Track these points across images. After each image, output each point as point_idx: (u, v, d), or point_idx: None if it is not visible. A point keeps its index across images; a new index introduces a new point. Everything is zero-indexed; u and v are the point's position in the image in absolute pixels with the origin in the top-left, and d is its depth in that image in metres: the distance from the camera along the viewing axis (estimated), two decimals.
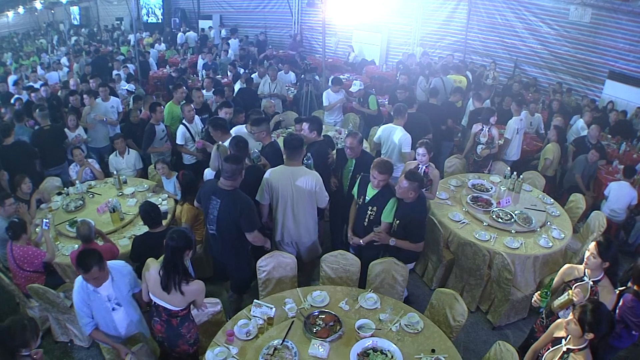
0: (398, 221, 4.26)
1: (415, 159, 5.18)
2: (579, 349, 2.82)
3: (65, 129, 6.88)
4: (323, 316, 3.57)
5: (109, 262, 3.46)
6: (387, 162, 4.25)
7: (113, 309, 3.50)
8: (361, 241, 4.43)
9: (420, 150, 5.00)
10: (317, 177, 4.43)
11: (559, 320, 3.15)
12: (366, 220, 4.39)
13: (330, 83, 8.04)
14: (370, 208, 4.32)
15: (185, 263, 3.29)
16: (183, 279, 3.18)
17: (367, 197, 4.32)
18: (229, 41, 15.05)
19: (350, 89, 8.09)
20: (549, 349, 3.05)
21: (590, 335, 2.77)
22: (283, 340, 3.32)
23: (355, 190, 4.52)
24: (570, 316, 2.86)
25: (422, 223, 4.37)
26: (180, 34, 17.49)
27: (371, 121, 7.91)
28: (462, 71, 9.76)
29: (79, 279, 3.39)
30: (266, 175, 4.41)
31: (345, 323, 3.52)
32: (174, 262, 3.16)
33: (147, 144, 6.60)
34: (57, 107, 8.15)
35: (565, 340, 2.95)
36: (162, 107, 6.88)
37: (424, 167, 5.04)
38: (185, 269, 3.24)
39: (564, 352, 2.90)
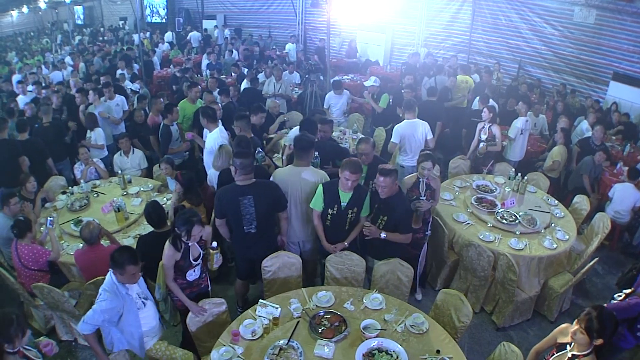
0: (386, 217, 4.20)
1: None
2: (584, 355, 2.80)
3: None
4: (329, 316, 3.57)
5: None
6: (357, 160, 4.14)
7: (144, 305, 3.54)
8: (346, 243, 4.30)
9: (427, 164, 4.58)
10: (324, 175, 4.47)
11: (562, 326, 3.13)
12: (347, 224, 4.29)
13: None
14: (350, 212, 4.21)
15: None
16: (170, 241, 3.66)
17: (343, 203, 4.16)
18: (287, 45, 15.06)
19: (365, 82, 8.09)
20: (553, 354, 3.03)
21: (600, 341, 2.75)
22: (288, 341, 3.31)
23: (319, 203, 4.22)
24: (575, 325, 2.83)
25: (409, 213, 4.30)
26: (168, 33, 17.57)
27: (378, 121, 7.92)
28: (468, 72, 9.77)
29: (110, 285, 3.31)
30: (274, 176, 4.45)
31: (351, 323, 3.52)
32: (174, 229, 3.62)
33: (165, 146, 6.48)
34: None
35: (570, 346, 2.92)
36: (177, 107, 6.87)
37: (425, 180, 4.70)
38: (178, 238, 3.58)
39: (569, 358, 2.87)
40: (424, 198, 4.67)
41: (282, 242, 4.52)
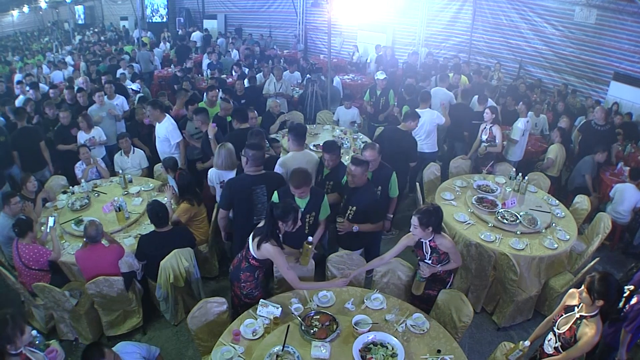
0: (354, 208, 4.29)
1: None
2: (591, 316, 3.05)
3: (80, 131, 6.80)
4: (318, 317, 3.54)
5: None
6: (304, 171, 4.03)
7: None
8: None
9: (414, 221, 3.63)
10: (316, 156, 4.84)
11: (571, 290, 3.32)
12: (306, 228, 4.25)
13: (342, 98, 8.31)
14: (308, 216, 4.19)
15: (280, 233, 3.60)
16: (265, 240, 3.47)
17: (301, 209, 4.06)
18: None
19: (376, 75, 8.15)
20: (562, 315, 3.24)
21: (600, 302, 2.99)
22: (283, 347, 3.25)
23: None
24: (583, 286, 3.08)
25: (377, 203, 4.42)
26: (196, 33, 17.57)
27: (377, 120, 7.93)
28: (463, 71, 9.79)
29: None
30: (278, 163, 4.64)
31: (342, 321, 3.51)
32: (272, 224, 3.48)
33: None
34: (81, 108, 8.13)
35: (578, 307, 3.15)
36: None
37: (428, 242, 3.79)
38: (276, 233, 3.52)
39: (577, 318, 3.12)
40: (430, 262, 3.85)
41: None
